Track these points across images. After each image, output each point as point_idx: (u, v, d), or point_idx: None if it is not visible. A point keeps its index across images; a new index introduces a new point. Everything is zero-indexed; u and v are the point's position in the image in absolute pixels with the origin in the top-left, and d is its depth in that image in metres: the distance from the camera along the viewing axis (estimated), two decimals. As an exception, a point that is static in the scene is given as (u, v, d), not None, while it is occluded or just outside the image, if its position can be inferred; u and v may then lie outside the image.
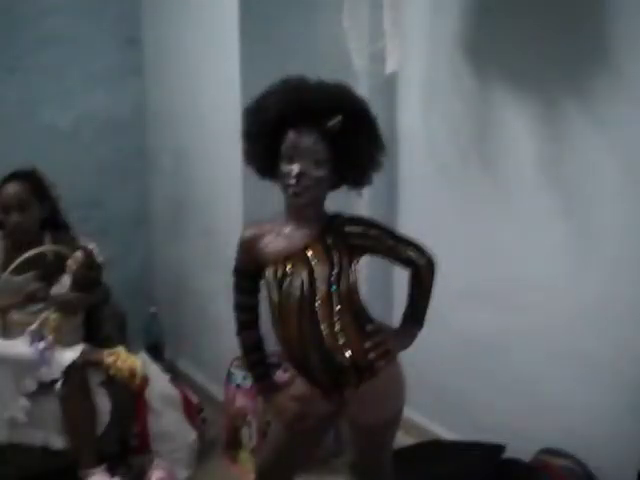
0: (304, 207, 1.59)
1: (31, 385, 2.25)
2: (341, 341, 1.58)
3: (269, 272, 1.61)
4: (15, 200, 2.39)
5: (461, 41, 2.43)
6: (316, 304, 1.58)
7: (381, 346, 1.61)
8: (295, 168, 1.53)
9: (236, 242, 1.68)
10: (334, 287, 1.58)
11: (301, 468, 1.87)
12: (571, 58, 2.10)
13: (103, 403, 2.36)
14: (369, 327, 1.63)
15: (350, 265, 1.60)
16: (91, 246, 2.47)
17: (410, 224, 2.55)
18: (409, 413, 2.34)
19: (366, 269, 2.43)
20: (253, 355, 1.74)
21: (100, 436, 2.34)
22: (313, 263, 1.57)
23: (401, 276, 1.75)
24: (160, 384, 2.54)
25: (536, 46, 2.20)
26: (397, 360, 1.67)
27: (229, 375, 2.64)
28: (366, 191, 1.67)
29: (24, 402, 2.24)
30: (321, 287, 1.57)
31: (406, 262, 1.66)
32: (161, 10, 3.11)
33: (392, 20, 2.28)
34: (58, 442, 2.29)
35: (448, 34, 2.47)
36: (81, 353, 2.33)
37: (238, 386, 2.60)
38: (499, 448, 2.27)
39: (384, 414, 1.68)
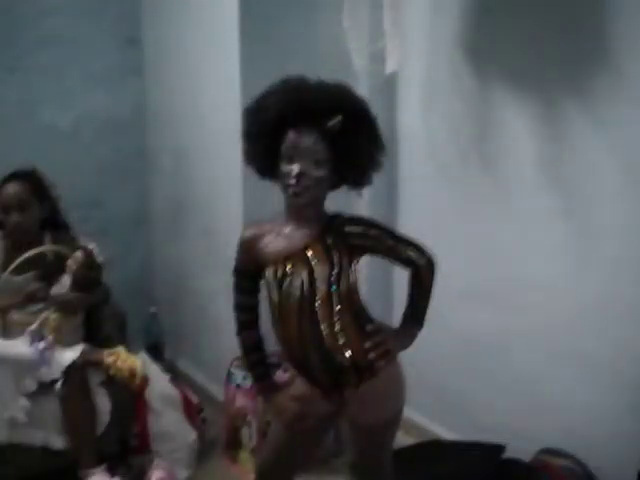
0: (304, 207, 1.59)
1: (31, 385, 2.25)
2: (341, 341, 1.58)
3: (269, 272, 1.61)
4: (15, 200, 2.39)
5: (461, 41, 2.43)
6: (316, 304, 1.58)
7: (381, 346, 1.61)
8: (295, 168, 1.53)
9: (236, 242, 1.68)
10: (334, 287, 1.58)
11: (301, 468, 1.87)
12: (571, 58, 2.10)
13: (103, 403, 2.36)
14: (369, 327, 1.63)
15: (350, 265, 1.60)
16: (91, 246, 2.47)
17: (410, 224, 2.55)
18: (409, 413, 2.34)
19: (366, 269, 2.43)
20: (253, 355, 1.74)
21: (100, 436, 2.34)
22: (313, 263, 1.57)
23: (401, 276, 1.75)
24: (160, 384, 2.54)
25: (536, 46, 2.20)
26: (397, 360, 1.67)
27: (229, 375, 2.64)
28: (366, 191, 1.67)
29: (24, 402, 2.24)
30: (321, 287, 1.57)
31: (406, 262, 1.66)
32: (161, 10, 3.11)
33: (392, 20, 2.28)
34: (58, 442, 2.29)
35: (448, 34, 2.47)
36: (81, 353, 2.33)
37: (238, 386, 2.60)
38: (499, 448, 2.27)
39: (384, 414, 1.68)
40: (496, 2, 2.33)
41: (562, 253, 2.20)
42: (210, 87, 2.82)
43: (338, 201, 1.67)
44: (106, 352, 2.43)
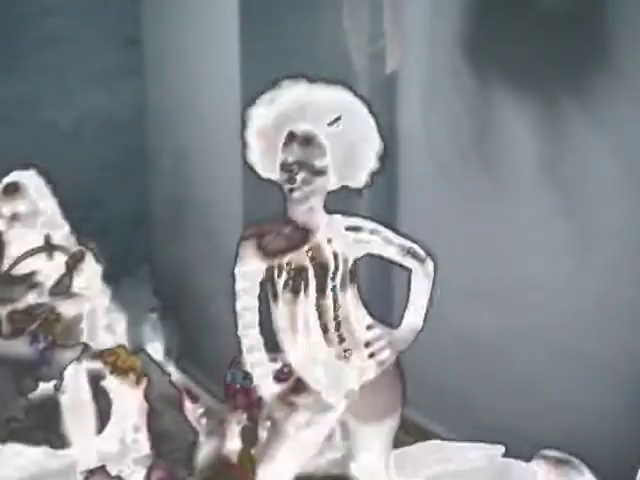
0: (304, 207, 1.59)
1: (31, 385, 2.26)
2: (341, 341, 1.58)
3: (269, 272, 1.61)
4: (15, 200, 2.39)
5: (461, 41, 2.43)
6: (316, 304, 1.58)
7: (381, 346, 1.61)
8: (295, 168, 1.53)
9: (236, 242, 1.68)
10: (334, 287, 1.58)
11: (301, 468, 1.87)
12: (571, 58, 2.10)
13: (103, 403, 2.36)
14: (369, 327, 1.63)
15: (350, 265, 1.60)
16: (91, 246, 2.47)
17: (410, 224, 2.55)
18: (409, 413, 2.34)
19: (366, 269, 2.42)
20: (254, 355, 1.74)
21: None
22: (313, 263, 1.57)
23: (401, 276, 1.75)
24: (160, 384, 2.54)
25: (536, 46, 2.20)
26: (397, 360, 1.67)
27: (229, 375, 2.64)
28: (366, 191, 1.67)
29: (24, 402, 2.24)
30: (321, 287, 1.57)
31: (405, 263, 1.66)
32: (161, 10, 3.12)
33: (392, 20, 2.28)
34: (58, 442, 2.30)
35: (448, 34, 2.47)
36: (81, 353, 2.33)
37: (238, 386, 2.60)
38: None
39: (384, 414, 1.68)
40: (496, 2, 2.33)
41: (562, 253, 2.20)
42: (210, 87, 2.82)
43: (338, 201, 1.67)
44: (106, 352, 2.43)
